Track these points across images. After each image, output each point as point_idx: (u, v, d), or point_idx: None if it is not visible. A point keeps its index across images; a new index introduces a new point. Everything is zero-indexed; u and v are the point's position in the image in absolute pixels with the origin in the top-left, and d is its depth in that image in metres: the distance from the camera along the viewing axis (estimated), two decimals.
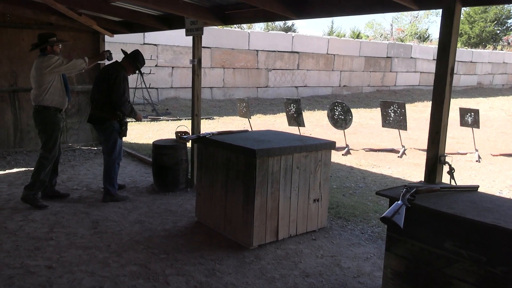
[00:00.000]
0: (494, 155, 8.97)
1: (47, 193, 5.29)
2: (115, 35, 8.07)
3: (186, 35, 5.80)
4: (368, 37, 35.18)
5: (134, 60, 5.29)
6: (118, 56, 5.44)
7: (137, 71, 5.41)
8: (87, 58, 5.20)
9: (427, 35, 37.12)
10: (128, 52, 5.38)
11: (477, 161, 8.39)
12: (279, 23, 29.70)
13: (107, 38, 8.27)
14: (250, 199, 3.95)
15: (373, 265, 3.82)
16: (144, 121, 12.18)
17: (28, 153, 7.53)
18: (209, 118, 13.18)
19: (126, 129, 5.37)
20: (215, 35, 15.75)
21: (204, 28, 5.63)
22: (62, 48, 5.30)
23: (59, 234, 4.28)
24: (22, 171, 6.49)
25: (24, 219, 4.66)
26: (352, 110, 9.38)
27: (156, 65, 14.66)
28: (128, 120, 5.54)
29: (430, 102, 3.41)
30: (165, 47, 14.89)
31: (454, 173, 3.42)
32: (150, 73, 14.02)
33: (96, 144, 8.44)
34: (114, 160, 5.30)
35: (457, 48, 3.33)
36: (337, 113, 9.17)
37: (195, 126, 5.91)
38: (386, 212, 2.64)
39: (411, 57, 22.47)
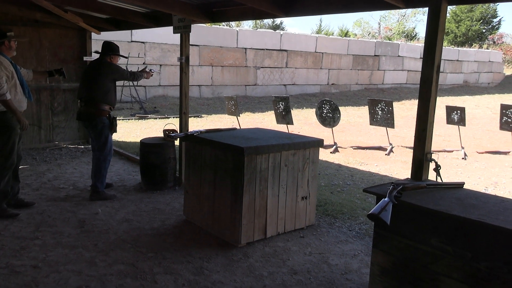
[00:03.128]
0: (479, 153, 9.08)
1: (10, 202, 4.80)
2: (102, 33, 7.99)
3: (174, 32, 5.77)
4: (356, 35, 35.40)
5: (110, 51, 5.28)
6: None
7: (120, 57, 5.48)
8: (8, 95, 4.36)
9: (415, 33, 37.50)
10: (100, 50, 5.37)
11: (463, 158, 8.49)
12: (268, 21, 29.74)
13: (94, 35, 8.19)
14: (238, 197, 3.95)
15: (360, 262, 3.85)
16: (132, 119, 12.11)
17: None
18: (198, 116, 13.14)
19: (116, 124, 5.35)
20: (203, 33, 15.69)
21: (192, 25, 5.60)
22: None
23: (45, 234, 4.23)
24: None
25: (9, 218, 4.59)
26: (340, 108, 9.42)
27: (144, 63, 14.54)
28: (116, 117, 5.52)
29: (417, 100, 3.44)
30: (152, 45, 14.80)
31: (440, 170, 3.45)
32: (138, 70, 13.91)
33: (83, 142, 8.36)
34: (105, 156, 5.27)
35: (444, 47, 3.37)
36: (325, 111, 9.20)
37: (183, 124, 5.88)
38: (373, 209, 2.66)
39: (399, 56, 22.65)
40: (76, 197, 5.40)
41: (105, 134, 5.22)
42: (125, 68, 5.58)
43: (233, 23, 24.97)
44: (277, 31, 19.44)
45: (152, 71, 5.82)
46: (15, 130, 4.58)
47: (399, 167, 7.61)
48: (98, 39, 9.14)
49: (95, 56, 6.24)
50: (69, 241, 4.08)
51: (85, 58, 7.96)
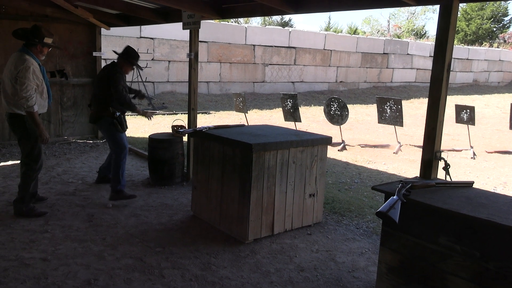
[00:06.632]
0: (489, 152, 9.02)
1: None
2: (111, 28, 8.03)
3: (183, 28, 5.79)
4: (365, 33, 35.19)
5: (128, 57, 5.09)
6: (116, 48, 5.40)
7: (134, 67, 5.23)
8: (36, 107, 4.29)
9: (424, 31, 37.21)
10: (120, 51, 5.21)
11: (472, 158, 8.43)
12: (276, 18, 29.65)
13: (103, 31, 8.23)
14: (246, 194, 3.96)
15: (367, 260, 3.84)
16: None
17: None
18: (206, 113, 13.16)
19: (121, 122, 5.18)
20: (212, 29, 15.70)
21: (201, 22, 5.61)
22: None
23: (54, 227, 4.27)
24: (17, 164, 6.45)
25: None
26: (348, 106, 9.39)
27: (152, 59, 14.60)
28: (129, 114, 5.44)
29: (426, 99, 3.43)
30: (161, 41, 14.83)
31: (449, 169, 3.43)
32: (146, 67, 13.95)
33: (92, 137, 8.42)
34: (119, 156, 5.06)
35: (454, 45, 3.35)
36: (333, 109, 9.18)
37: (192, 120, 5.90)
38: (382, 206, 2.65)
39: (408, 54, 22.49)
40: (85, 191, 5.44)
41: (112, 133, 5.05)
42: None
43: (241, 20, 24.96)
44: (285, 28, 19.40)
45: (153, 116, 5.49)
46: None
47: (407, 166, 7.58)
48: (107, 35, 9.20)
49: (104, 51, 6.28)
50: (77, 235, 4.12)
51: (94, 54, 8.01)
